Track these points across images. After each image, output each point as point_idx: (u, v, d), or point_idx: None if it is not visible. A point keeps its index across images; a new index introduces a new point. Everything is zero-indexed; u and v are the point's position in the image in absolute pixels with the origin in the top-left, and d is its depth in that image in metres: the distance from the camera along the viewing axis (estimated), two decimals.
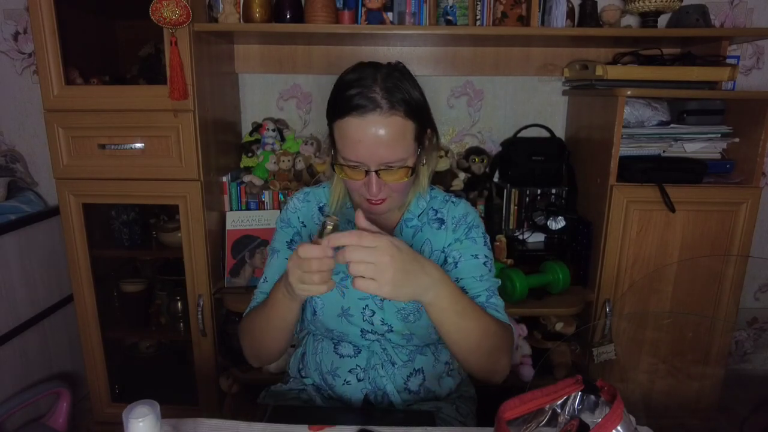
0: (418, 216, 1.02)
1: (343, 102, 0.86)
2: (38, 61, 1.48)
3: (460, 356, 0.89)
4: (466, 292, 0.93)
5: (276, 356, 1.05)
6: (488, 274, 0.98)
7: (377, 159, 0.86)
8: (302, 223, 1.06)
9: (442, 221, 1.02)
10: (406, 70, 0.92)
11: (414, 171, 0.91)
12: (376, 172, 0.87)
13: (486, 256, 0.99)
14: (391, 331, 1.00)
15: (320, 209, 1.05)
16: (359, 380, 1.02)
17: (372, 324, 1.01)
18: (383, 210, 0.94)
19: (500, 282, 1.01)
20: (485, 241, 1.01)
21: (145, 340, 1.93)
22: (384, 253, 0.71)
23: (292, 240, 1.06)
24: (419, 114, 0.89)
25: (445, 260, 1.00)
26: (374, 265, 0.71)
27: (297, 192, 1.09)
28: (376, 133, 0.84)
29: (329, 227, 0.77)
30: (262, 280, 1.04)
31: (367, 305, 1.01)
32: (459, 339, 0.85)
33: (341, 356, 1.04)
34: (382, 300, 1.00)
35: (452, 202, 1.04)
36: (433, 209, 1.03)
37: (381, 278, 0.72)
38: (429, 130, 0.95)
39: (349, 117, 0.85)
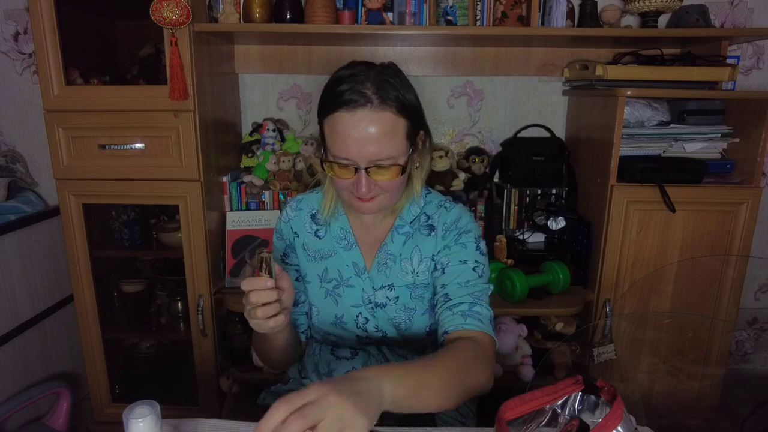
0: (410, 222, 1.00)
1: (333, 97, 0.85)
2: (38, 61, 1.48)
3: (440, 408, 0.75)
4: (450, 299, 0.91)
5: (291, 364, 1.09)
6: (477, 280, 0.93)
7: (367, 155, 0.84)
8: (295, 233, 1.05)
9: (432, 228, 0.99)
10: (399, 70, 0.91)
11: (405, 170, 0.89)
12: (366, 169, 0.85)
13: (477, 261, 0.95)
14: (386, 336, 1.01)
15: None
16: None
17: (366, 331, 1.01)
18: (373, 209, 0.91)
19: (492, 288, 0.97)
20: (477, 246, 0.97)
21: (145, 340, 1.93)
22: (325, 396, 0.57)
23: (284, 254, 1.05)
24: (412, 112, 0.87)
25: (435, 267, 0.98)
26: (329, 414, 0.56)
27: (291, 200, 1.08)
28: (366, 128, 0.82)
29: (266, 256, 0.75)
30: None
31: (360, 313, 1.01)
32: (431, 403, 0.72)
33: (338, 358, 1.04)
34: (374, 308, 1.00)
35: (445, 207, 1.01)
36: (426, 215, 1.01)
37: (347, 421, 0.57)
38: (422, 132, 0.94)
39: (339, 112, 0.83)
